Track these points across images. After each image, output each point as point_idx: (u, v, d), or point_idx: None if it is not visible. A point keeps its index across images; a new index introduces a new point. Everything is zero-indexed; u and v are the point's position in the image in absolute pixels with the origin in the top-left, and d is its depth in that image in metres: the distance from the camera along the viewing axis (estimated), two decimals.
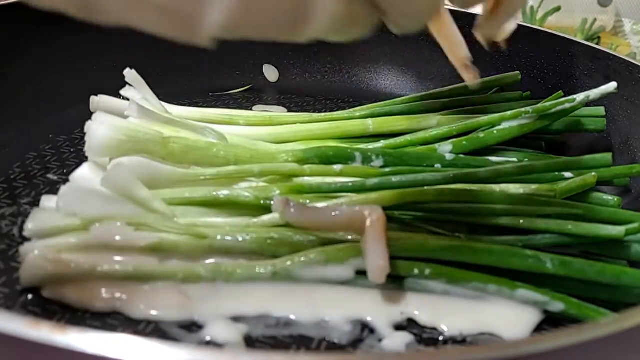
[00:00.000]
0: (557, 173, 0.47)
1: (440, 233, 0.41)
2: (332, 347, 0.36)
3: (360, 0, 0.27)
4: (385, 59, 0.70)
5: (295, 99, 0.68)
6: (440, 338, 0.37)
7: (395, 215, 0.42)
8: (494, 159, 0.50)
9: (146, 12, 0.25)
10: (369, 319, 0.37)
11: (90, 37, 0.60)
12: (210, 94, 0.67)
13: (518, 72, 0.59)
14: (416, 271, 0.38)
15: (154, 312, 0.36)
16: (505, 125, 0.50)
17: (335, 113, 0.58)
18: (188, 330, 0.36)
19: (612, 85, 0.50)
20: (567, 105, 0.49)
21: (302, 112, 0.64)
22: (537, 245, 0.40)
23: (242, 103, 0.66)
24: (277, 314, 0.37)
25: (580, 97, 0.49)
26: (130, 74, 0.50)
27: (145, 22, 0.26)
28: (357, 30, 0.30)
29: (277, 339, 0.36)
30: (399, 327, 0.37)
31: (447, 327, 0.37)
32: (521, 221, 0.41)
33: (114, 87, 0.54)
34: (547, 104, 0.50)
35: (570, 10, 0.89)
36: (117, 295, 0.37)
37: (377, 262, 0.36)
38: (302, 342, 0.36)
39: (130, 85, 0.52)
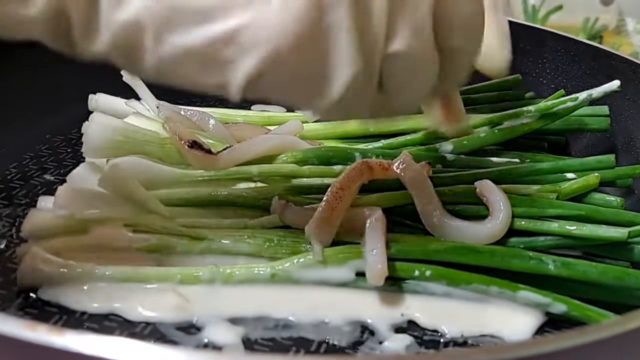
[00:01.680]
0: (559, 174, 0.46)
1: None
2: (332, 349, 0.35)
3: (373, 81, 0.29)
4: None
5: None
6: (441, 340, 0.36)
7: (395, 216, 0.41)
8: (496, 159, 0.49)
9: (187, 67, 0.27)
10: (369, 320, 0.37)
11: None
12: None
13: (518, 74, 0.58)
14: (417, 273, 0.38)
15: (151, 314, 0.36)
16: (507, 124, 0.50)
17: None
18: (186, 332, 0.35)
19: (615, 84, 0.49)
20: (570, 104, 0.49)
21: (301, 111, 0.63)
22: (539, 246, 0.40)
23: (241, 102, 0.66)
24: (276, 315, 0.37)
25: (583, 95, 0.49)
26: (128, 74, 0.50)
27: (185, 78, 0.28)
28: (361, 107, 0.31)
29: (276, 341, 0.35)
30: (399, 329, 0.37)
31: (448, 329, 0.37)
32: (523, 222, 0.41)
33: (112, 88, 0.54)
34: (549, 102, 0.50)
35: (572, 9, 0.88)
36: (115, 296, 0.36)
37: (375, 265, 0.36)
38: (302, 344, 0.35)
39: (128, 84, 0.52)
